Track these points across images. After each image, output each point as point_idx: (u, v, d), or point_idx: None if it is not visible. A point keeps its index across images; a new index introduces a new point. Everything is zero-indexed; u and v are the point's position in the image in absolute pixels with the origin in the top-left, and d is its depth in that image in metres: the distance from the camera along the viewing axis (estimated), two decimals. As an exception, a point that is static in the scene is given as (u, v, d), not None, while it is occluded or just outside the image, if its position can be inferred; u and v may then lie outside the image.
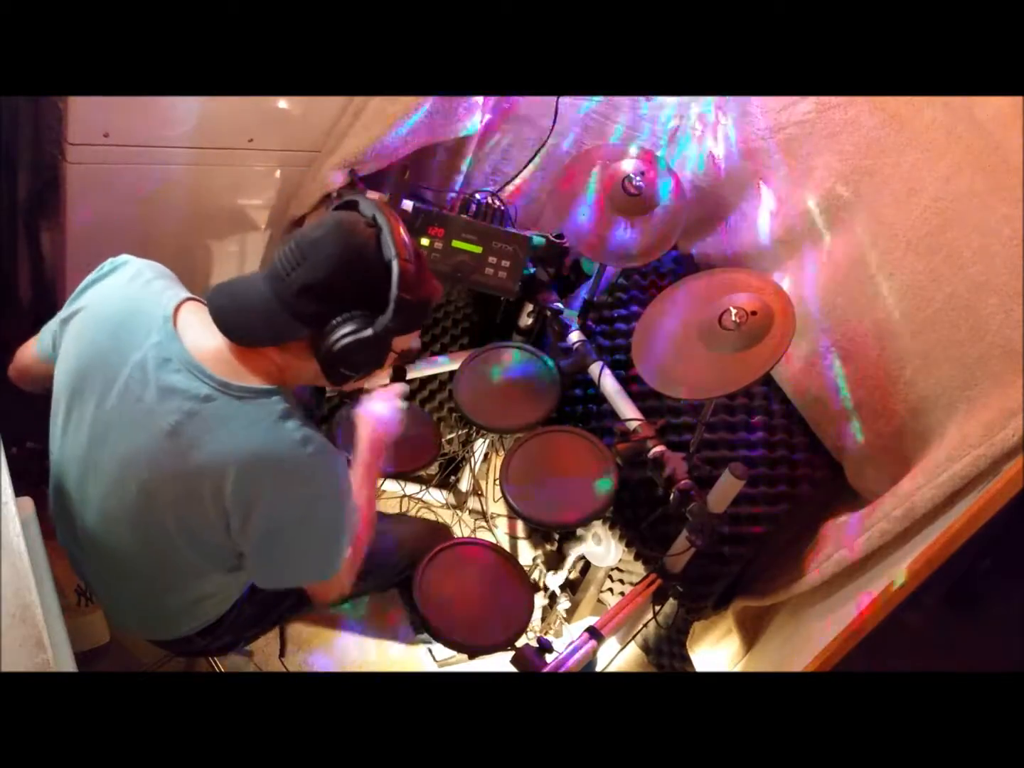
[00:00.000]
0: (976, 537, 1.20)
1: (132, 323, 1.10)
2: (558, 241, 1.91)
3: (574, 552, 2.07)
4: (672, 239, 1.78)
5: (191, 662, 1.75)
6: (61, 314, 1.18)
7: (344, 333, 1.06)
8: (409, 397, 2.17)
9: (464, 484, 2.38)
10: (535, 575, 2.17)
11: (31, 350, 1.25)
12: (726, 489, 1.46)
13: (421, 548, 1.59)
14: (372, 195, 1.78)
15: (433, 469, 2.40)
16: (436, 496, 2.39)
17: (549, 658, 1.50)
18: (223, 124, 1.63)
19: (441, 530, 1.77)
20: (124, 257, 1.19)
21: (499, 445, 2.33)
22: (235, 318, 1.08)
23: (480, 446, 2.30)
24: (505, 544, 2.36)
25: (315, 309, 1.07)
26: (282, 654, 1.68)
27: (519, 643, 1.52)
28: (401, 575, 1.58)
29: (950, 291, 1.40)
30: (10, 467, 0.97)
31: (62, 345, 1.16)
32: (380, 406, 1.41)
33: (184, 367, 1.06)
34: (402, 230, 1.11)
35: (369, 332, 1.07)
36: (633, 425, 1.69)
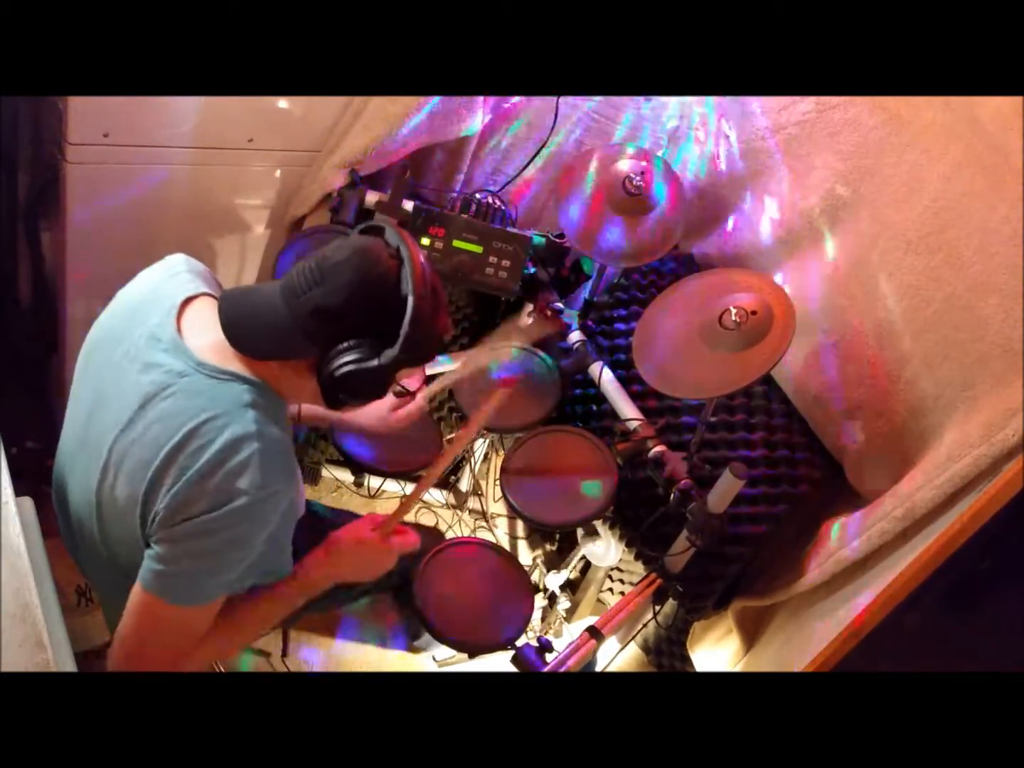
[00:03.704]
0: (976, 537, 1.20)
1: (144, 308, 1.12)
2: (558, 241, 1.91)
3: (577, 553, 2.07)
4: (672, 239, 1.78)
5: (191, 662, 1.75)
6: None
7: (348, 360, 1.05)
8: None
9: (464, 484, 2.38)
10: (535, 575, 2.17)
11: None
12: (726, 489, 1.46)
13: (418, 554, 1.59)
14: (372, 196, 1.78)
15: (433, 469, 2.40)
16: (436, 496, 2.39)
17: (549, 658, 1.50)
18: (223, 124, 1.63)
19: (436, 534, 1.77)
20: (176, 255, 1.21)
21: (499, 445, 2.33)
22: (244, 329, 1.08)
23: (480, 446, 2.30)
24: (505, 544, 2.36)
25: (325, 331, 1.06)
26: (284, 654, 1.68)
27: (519, 643, 1.52)
28: (396, 578, 1.58)
29: (950, 291, 1.40)
30: (10, 467, 0.97)
31: None
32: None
33: (171, 348, 1.07)
34: (424, 266, 1.10)
35: (374, 363, 1.06)
36: (633, 425, 1.69)
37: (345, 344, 1.06)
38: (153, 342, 1.08)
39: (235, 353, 1.09)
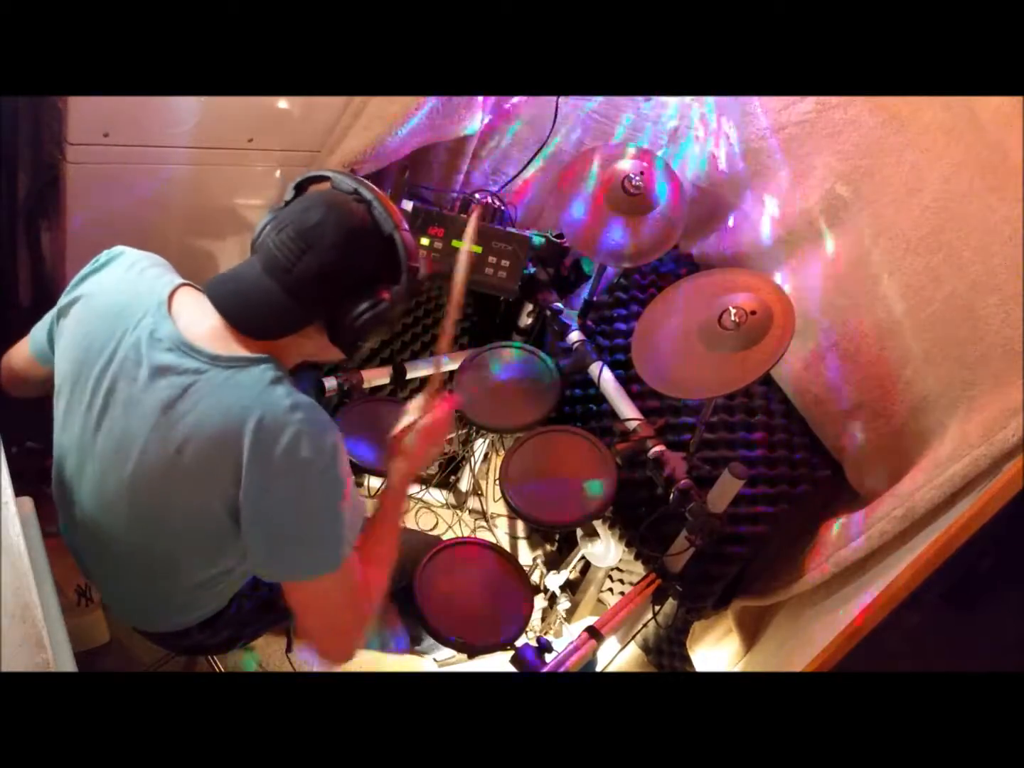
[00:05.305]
0: (976, 537, 1.20)
1: (128, 310, 1.11)
2: (558, 241, 1.91)
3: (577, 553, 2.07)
4: (672, 239, 1.79)
5: (191, 662, 1.75)
6: (58, 306, 1.19)
7: (363, 310, 1.11)
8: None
9: (464, 484, 2.38)
10: (535, 575, 2.17)
11: (23, 350, 1.26)
12: (726, 489, 1.46)
13: (416, 560, 1.59)
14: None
15: (433, 469, 2.40)
16: (436, 496, 2.39)
17: (549, 658, 1.50)
18: (223, 124, 1.63)
19: (436, 543, 1.77)
20: (119, 248, 1.20)
21: (499, 445, 2.33)
22: (249, 320, 1.10)
23: (480, 446, 2.30)
24: (505, 544, 2.36)
25: (329, 294, 1.10)
26: (289, 649, 1.67)
27: (519, 643, 1.52)
28: (399, 583, 1.57)
29: (950, 291, 1.40)
30: (10, 467, 0.97)
31: (61, 337, 1.17)
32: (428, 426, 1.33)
33: (175, 346, 1.07)
34: (390, 200, 1.14)
35: (385, 305, 1.12)
36: (633, 425, 1.69)
37: (353, 297, 1.11)
38: (154, 343, 1.08)
39: (235, 336, 1.10)
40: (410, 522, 2.24)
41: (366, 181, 1.15)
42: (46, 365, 1.21)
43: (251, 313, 1.10)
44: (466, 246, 1.47)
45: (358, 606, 1.15)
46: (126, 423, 1.09)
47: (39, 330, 1.23)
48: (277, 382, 1.07)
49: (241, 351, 1.09)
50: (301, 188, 1.17)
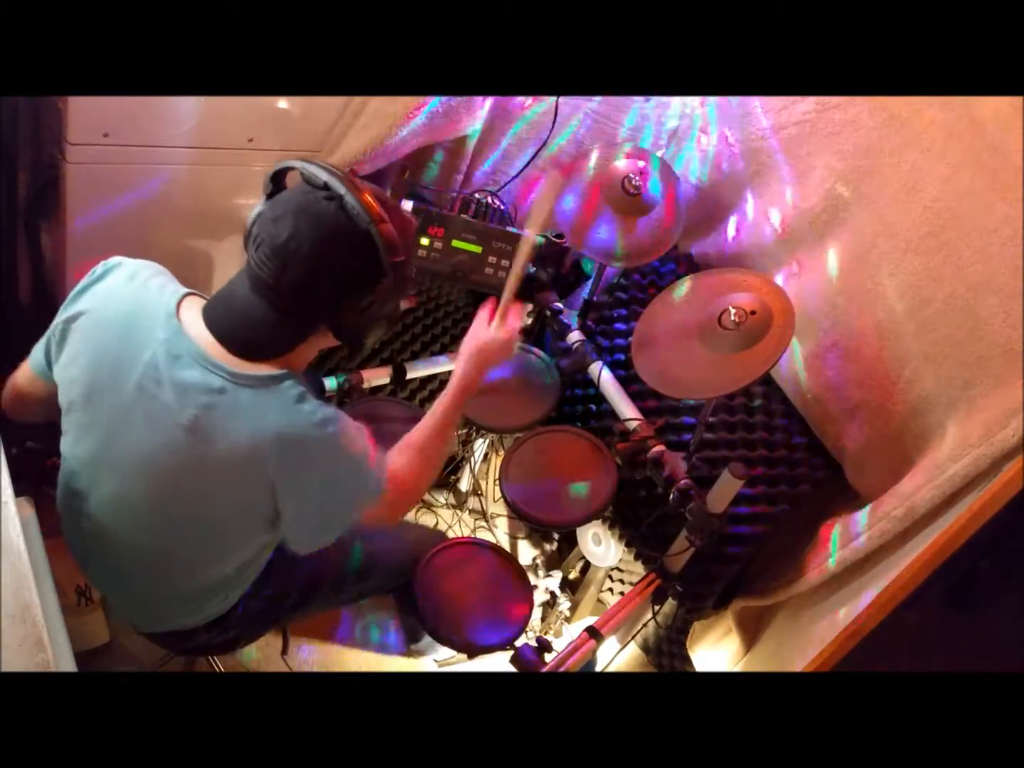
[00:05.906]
0: (976, 537, 1.20)
1: (137, 323, 1.11)
2: (558, 241, 1.91)
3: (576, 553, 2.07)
4: (671, 239, 1.79)
5: (191, 662, 1.75)
6: (57, 320, 1.17)
7: (361, 308, 1.10)
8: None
9: (464, 484, 2.38)
10: (535, 576, 2.17)
11: (26, 371, 1.25)
12: (725, 489, 1.46)
13: (416, 559, 1.59)
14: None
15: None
16: (436, 496, 2.39)
17: (548, 658, 1.50)
18: (223, 124, 1.63)
19: (443, 537, 1.77)
20: (116, 259, 1.19)
21: (499, 445, 2.33)
22: (252, 345, 1.10)
23: (480, 446, 2.30)
24: (505, 544, 2.36)
25: (320, 302, 1.09)
26: (285, 651, 1.68)
27: (518, 643, 1.52)
28: (401, 579, 1.58)
29: (950, 291, 1.40)
30: (10, 467, 0.97)
31: (64, 351, 1.15)
32: (499, 333, 1.39)
33: (196, 362, 1.07)
34: (364, 190, 1.08)
35: (376, 304, 1.11)
36: (633, 425, 1.69)
37: (346, 299, 1.09)
38: (173, 360, 1.08)
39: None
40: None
41: (338, 171, 1.08)
42: (49, 382, 1.20)
43: (250, 337, 1.09)
44: (530, 236, 1.47)
45: (398, 499, 1.26)
46: (149, 440, 1.09)
47: (37, 349, 1.21)
48: (301, 399, 1.09)
49: (259, 365, 1.09)
50: (278, 178, 1.13)
